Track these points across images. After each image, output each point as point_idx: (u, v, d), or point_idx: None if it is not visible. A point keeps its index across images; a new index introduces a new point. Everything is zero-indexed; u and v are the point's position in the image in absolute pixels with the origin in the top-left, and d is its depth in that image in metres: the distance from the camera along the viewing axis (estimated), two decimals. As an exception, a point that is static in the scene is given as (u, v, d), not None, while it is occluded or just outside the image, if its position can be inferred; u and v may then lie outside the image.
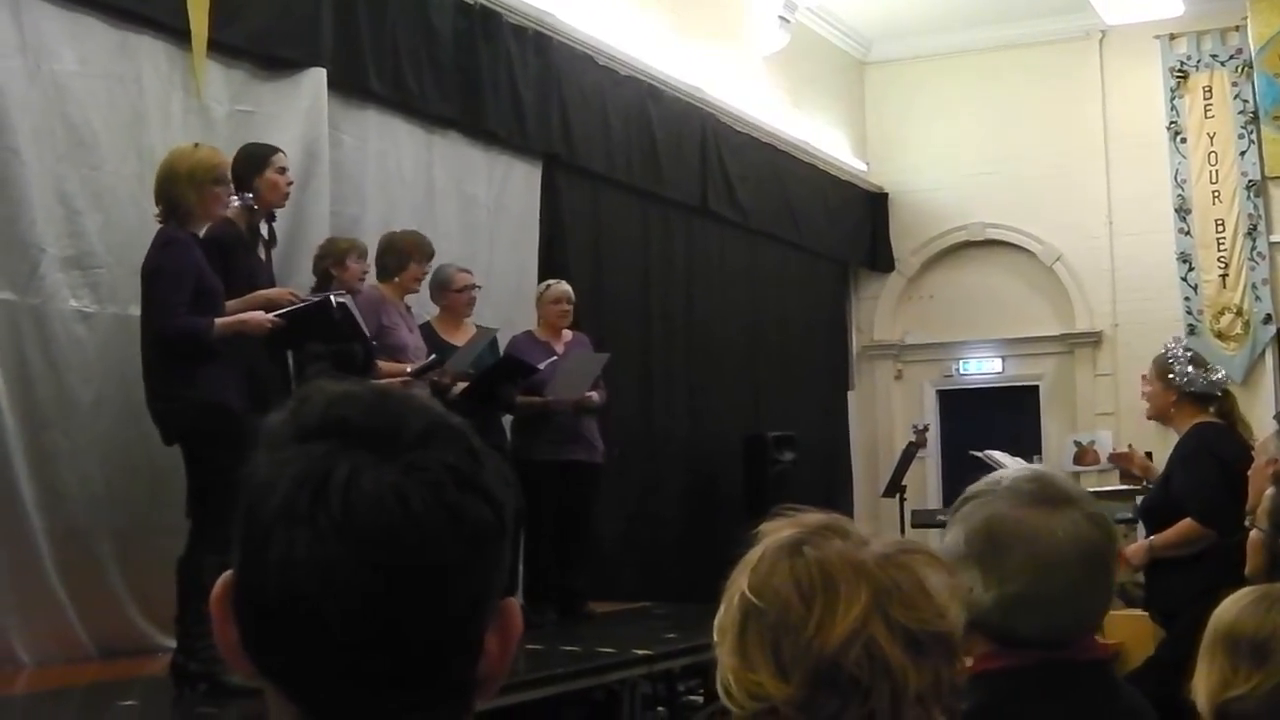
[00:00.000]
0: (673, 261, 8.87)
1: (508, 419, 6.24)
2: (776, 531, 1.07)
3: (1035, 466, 1.67)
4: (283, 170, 4.60)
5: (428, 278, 5.79)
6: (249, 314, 4.06)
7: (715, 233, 9.32)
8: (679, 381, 8.75)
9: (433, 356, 5.26)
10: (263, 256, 4.53)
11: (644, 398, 8.37)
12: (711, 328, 9.20)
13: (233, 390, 3.98)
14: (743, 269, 9.67)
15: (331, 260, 5.12)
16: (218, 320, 3.98)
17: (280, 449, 0.81)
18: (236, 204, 4.38)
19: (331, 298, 4.32)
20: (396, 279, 5.53)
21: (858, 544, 1.05)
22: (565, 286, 6.50)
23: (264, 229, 4.58)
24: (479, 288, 6.10)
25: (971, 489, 1.54)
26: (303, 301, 4.27)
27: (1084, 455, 10.34)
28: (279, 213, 4.78)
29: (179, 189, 4.05)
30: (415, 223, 6.19)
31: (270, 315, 4.11)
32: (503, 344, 6.25)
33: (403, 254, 5.53)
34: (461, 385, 5.61)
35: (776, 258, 10.15)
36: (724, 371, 9.25)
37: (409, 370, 5.20)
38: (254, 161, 4.56)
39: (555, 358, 6.18)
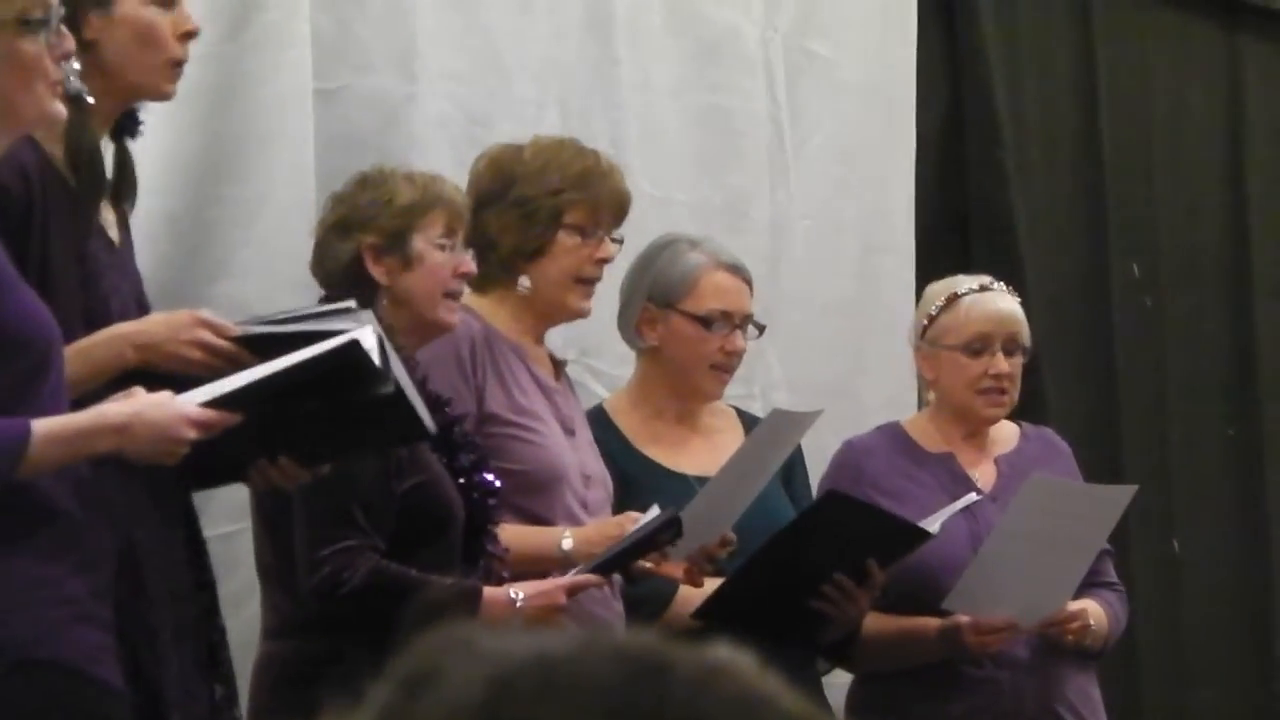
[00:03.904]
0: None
1: (839, 678, 4.72)
2: None
3: None
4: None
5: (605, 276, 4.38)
6: (131, 404, 3.23)
7: None
8: None
9: (654, 514, 4.03)
10: (113, 235, 3.61)
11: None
12: None
13: (96, 623, 3.23)
14: None
15: (376, 233, 3.94)
16: (39, 425, 3.15)
17: None
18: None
19: (346, 317, 3.47)
20: (526, 279, 4.23)
21: None
22: (1002, 301, 4.69)
23: (108, 155, 3.71)
24: (756, 330, 4.58)
25: None
26: (269, 326, 3.46)
27: None
28: (163, 112, 3.91)
29: None
30: (565, 122, 4.79)
31: (199, 398, 3.25)
32: (821, 455, 4.75)
33: (543, 203, 4.23)
34: (705, 578, 4.27)
35: None
36: None
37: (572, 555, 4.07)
38: None
39: (975, 498, 4.60)
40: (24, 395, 3.12)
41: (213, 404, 3.21)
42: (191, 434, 3.16)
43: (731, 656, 0.92)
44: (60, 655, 3.16)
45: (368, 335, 3.35)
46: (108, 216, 3.54)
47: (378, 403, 3.36)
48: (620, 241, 4.11)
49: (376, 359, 3.33)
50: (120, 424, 3.14)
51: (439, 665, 0.76)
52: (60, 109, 3.25)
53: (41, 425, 3.08)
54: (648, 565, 3.91)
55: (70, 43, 3.25)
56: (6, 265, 3.20)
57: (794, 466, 4.47)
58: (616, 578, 3.91)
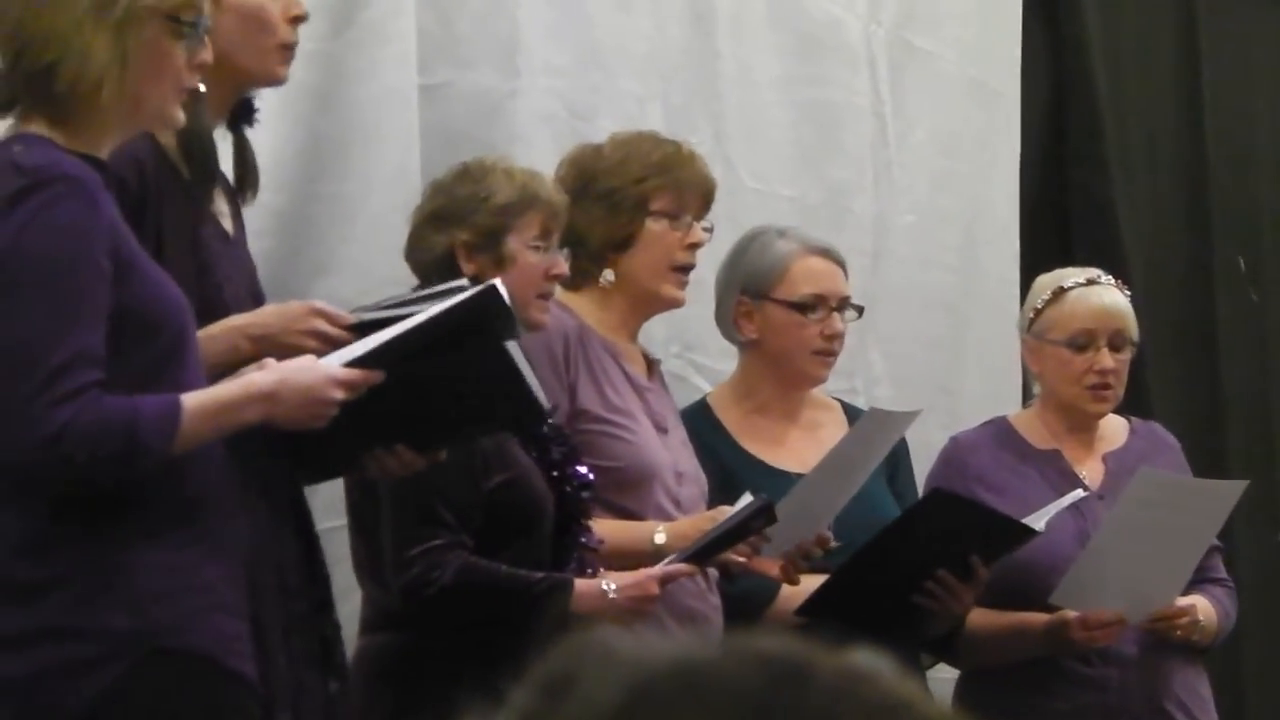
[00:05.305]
0: None
1: (942, 672, 4.58)
2: None
3: None
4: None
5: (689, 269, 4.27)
6: (276, 370, 3.19)
7: None
8: None
9: (747, 501, 3.93)
10: (227, 226, 3.53)
11: None
12: None
13: (231, 611, 3.20)
14: None
15: (471, 231, 3.84)
16: (189, 399, 3.10)
17: None
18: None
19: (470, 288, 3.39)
20: (610, 272, 4.16)
21: None
22: (1108, 295, 4.54)
23: (225, 146, 3.63)
24: (855, 312, 4.46)
25: None
26: (382, 312, 3.36)
27: None
28: (267, 109, 3.80)
29: (64, 18, 3.22)
30: (667, 116, 4.69)
31: (341, 359, 3.21)
32: (924, 449, 4.69)
33: (627, 192, 4.14)
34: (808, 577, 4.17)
35: None
36: None
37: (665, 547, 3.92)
38: None
39: (1082, 494, 4.45)
40: (161, 375, 3.08)
41: (355, 364, 3.17)
42: (339, 394, 3.12)
43: (872, 662, 0.90)
44: (196, 645, 3.12)
45: (501, 284, 3.29)
46: (221, 207, 3.50)
47: (500, 377, 3.30)
48: (710, 230, 4.03)
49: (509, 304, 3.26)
50: (268, 391, 3.10)
51: (578, 671, 0.76)
52: (180, 116, 3.19)
53: (191, 399, 3.05)
54: (741, 560, 3.83)
55: (208, 55, 3.20)
56: (136, 248, 3.15)
57: (899, 462, 4.38)
58: (713, 572, 3.83)
